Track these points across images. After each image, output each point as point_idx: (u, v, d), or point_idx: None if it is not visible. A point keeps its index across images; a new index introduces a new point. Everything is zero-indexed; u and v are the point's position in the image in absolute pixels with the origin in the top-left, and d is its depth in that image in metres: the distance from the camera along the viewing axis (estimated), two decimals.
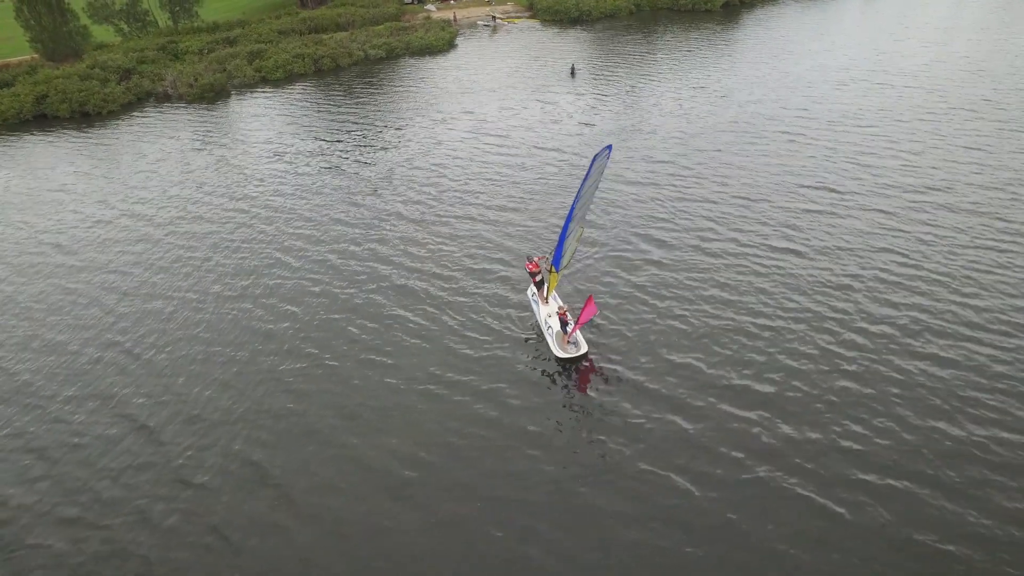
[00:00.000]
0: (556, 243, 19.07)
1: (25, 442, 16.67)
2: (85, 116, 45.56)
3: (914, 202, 24.91)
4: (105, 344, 20.35)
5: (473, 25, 65.44)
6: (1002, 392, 15.53)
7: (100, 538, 13.84)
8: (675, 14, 63.44)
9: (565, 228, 17.76)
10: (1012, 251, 21.28)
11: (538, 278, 19.38)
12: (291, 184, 31.50)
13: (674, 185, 27.86)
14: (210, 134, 40.30)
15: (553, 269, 18.76)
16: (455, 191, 29.01)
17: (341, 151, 35.30)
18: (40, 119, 45.60)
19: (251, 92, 49.04)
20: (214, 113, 44.77)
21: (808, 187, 26.72)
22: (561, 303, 18.62)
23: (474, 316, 19.85)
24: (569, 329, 17.53)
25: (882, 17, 58.01)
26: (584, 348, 17.41)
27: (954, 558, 11.95)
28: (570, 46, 54.50)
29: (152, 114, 45.52)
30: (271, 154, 35.72)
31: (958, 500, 12.97)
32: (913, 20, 55.75)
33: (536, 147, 33.41)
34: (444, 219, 26.47)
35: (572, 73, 46.05)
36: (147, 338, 20.46)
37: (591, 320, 17.71)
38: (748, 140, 32.25)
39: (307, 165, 33.72)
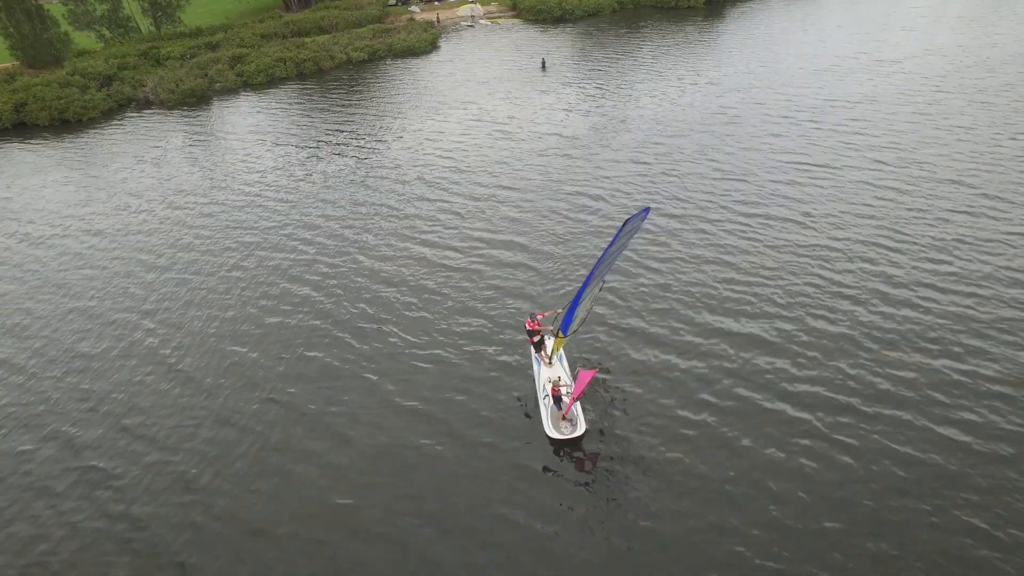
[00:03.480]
0: (569, 304, 16.28)
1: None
2: (65, 123, 45.23)
3: (897, 175, 25.96)
4: (135, 338, 21.10)
5: (457, 26, 65.28)
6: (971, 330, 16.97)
7: (156, 460, 15.99)
8: (659, 12, 63.34)
9: (580, 292, 15.36)
10: (980, 214, 22.84)
11: (536, 338, 16.85)
12: (289, 180, 31.77)
13: (674, 174, 28.16)
14: (196, 138, 40.16)
15: (560, 333, 16.23)
16: (453, 182, 29.47)
17: (331, 150, 35.32)
18: (19, 127, 45.25)
19: (233, 97, 48.80)
20: (197, 118, 44.50)
21: (803, 168, 27.50)
22: (565, 369, 16.54)
23: (469, 346, 18.77)
24: (564, 405, 15.01)
25: (868, 10, 57.97)
26: (582, 429, 14.73)
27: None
28: (552, 43, 54.40)
29: (134, 120, 45.19)
30: (260, 156, 35.67)
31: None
32: (899, 12, 55.75)
33: (534, 134, 34.15)
34: (444, 210, 26.90)
35: (543, 67, 46.84)
36: (174, 324, 21.41)
37: (592, 381, 15.22)
38: (737, 125, 32.90)
39: (299, 165, 33.83)
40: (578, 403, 15.07)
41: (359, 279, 22.45)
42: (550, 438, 14.83)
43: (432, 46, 57.16)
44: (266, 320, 20.75)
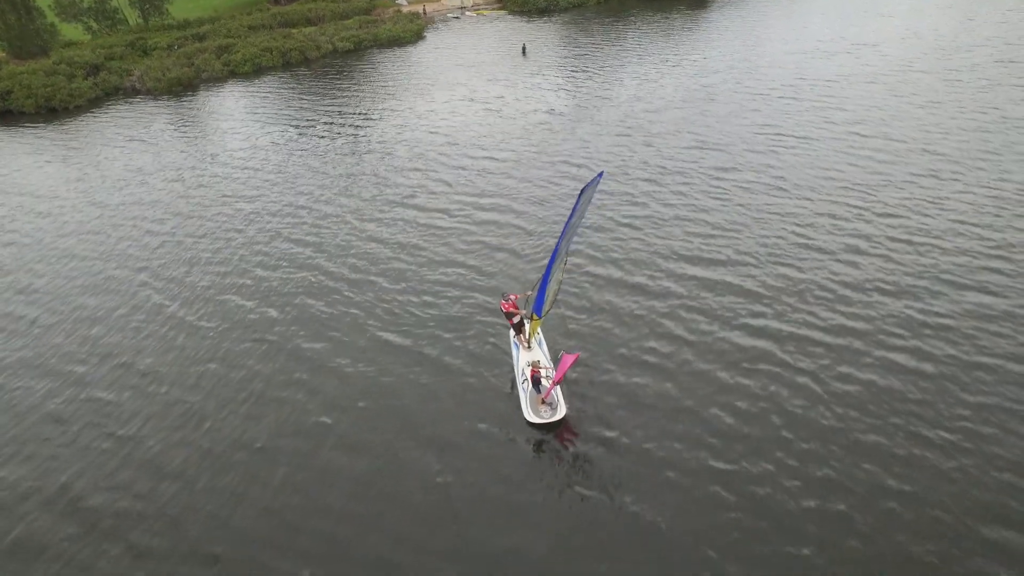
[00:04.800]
0: (538, 284, 15.61)
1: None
2: (52, 111, 45.40)
3: (868, 143, 27.13)
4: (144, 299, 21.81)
5: (443, 17, 65.80)
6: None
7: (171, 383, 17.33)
8: (643, 2, 63.98)
9: (548, 270, 14.81)
10: (944, 177, 23.98)
11: (515, 319, 16.27)
12: (280, 154, 32.60)
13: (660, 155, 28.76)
14: (185, 121, 40.71)
15: (534, 315, 15.88)
16: (440, 152, 30.47)
17: (320, 128, 35.99)
18: (5, 115, 45.41)
19: (220, 85, 49.09)
20: (185, 104, 44.81)
21: (779, 137, 28.41)
22: (545, 352, 16.22)
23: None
24: (544, 388, 14.77)
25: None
26: (562, 412, 14.46)
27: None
28: (537, 32, 54.99)
29: (121, 107, 45.40)
30: (250, 135, 36.28)
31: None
32: (883, 2, 56.55)
33: (519, 112, 35.27)
34: (432, 178, 27.71)
35: (523, 52, 48.02)
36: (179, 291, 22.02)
37: (573, 366, 14.72)
38: (718, 101, 33.93)
39: (290, 141, 34.57)
40: (558, 387, 14.74)
41: (350, 237, 23.44)
42: (529, 422, 14.45)
43: (418, 36, 57.63)
44: (260, 273, 21.78)
